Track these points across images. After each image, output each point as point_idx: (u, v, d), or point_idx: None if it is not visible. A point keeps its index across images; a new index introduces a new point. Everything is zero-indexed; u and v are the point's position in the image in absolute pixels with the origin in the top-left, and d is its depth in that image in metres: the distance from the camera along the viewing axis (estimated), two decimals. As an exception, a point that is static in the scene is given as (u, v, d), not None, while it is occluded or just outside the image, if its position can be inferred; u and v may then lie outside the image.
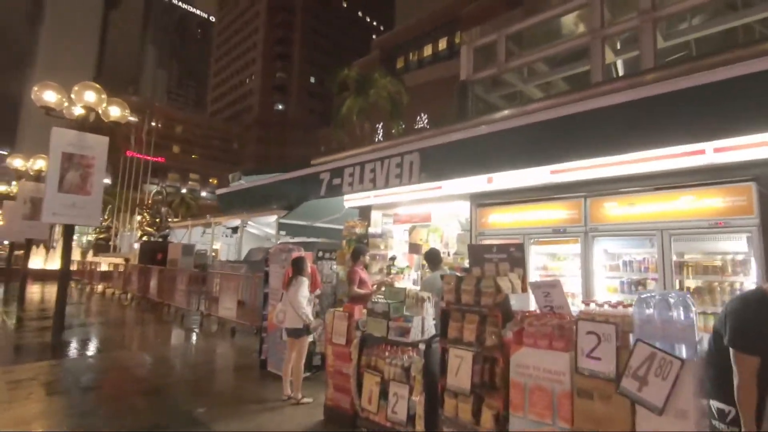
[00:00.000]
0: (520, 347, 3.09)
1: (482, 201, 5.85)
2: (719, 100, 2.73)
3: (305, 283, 5.24)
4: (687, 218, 4.19)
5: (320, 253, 6.47)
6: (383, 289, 5.34)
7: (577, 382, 2.76)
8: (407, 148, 3.62)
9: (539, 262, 5.53)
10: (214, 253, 20.25)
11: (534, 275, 5.40)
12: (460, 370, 3.37)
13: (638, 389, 2.48)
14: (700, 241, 4.44)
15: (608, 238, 4.82)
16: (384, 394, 3.92)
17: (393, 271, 6.86)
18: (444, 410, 3.48)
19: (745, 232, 3.90)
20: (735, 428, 2.27)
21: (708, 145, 3.90)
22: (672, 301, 2.51)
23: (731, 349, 2.26)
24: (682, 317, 2.47)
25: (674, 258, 4.33)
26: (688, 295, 2.62)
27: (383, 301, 4.18)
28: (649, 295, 2.59)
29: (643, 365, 2.49)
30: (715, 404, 2.39)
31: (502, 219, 5.64)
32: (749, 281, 3.96)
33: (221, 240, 19.57)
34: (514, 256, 3.71)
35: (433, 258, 5.22)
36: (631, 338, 2.63)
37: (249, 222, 14.68)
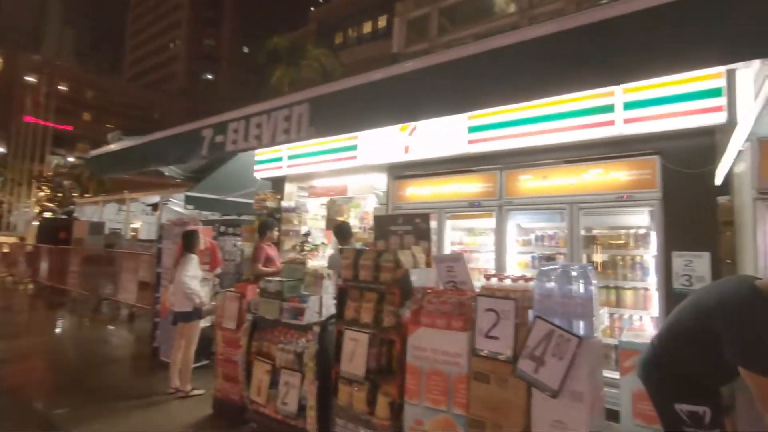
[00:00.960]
0: (417, 327, 2.77)
1: (399, 173, 5.49)
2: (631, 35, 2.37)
3: (194, 260, 4.58)
4: (595, 192, 4.11)
5: (222, 228, 5.78)
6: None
7: (474, 365, 2.49)
8: (297, 98, 3.08)
9: (455, 237, 5.31)
10: (134, 233, 18.35)
11: (450, 251, 5.19)
12: (355, 355, 3.00)
13: (535, 370, 2.25)
14: (608, 215, 4.42)
15: (522, 213, 4.68)
16: (275, 384, 3.47)
17: (307, 248, 6.35)
18: (338, 399, 3.11)
19: (648, 205, 3.88)
20: (717, 430, 1.98)
21: (618, 116, 3.81)
22: (573, 273, 2.29)
23: (745, 370, 1.84)
24: (582, 291, 2.25)
25: (582, 232, 4.27)
26: (591, 268, 2.41)
27: (277, 279, 3.68)
28: (550, 267, 2.34)
29: (540, 344, 2.26)
30: (685, 408, 2.02)
31: (420, 192, 5.33)
32: (648, 255, 3.98)
33: (142, 218, 17.69)
34: (420, 227, 3.38)
35: (342, 232, 4.79)
36: (531, 315, 2.38)
37: (171, 198, 13.24)
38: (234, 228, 5.95)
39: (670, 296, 3.60)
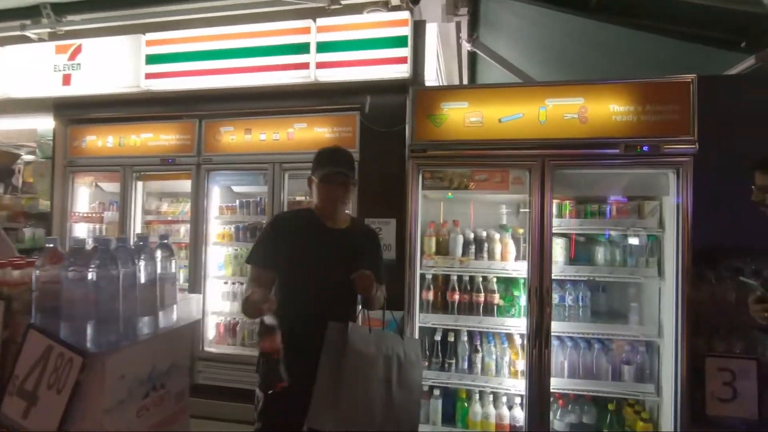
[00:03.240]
0: None
1: (71, 115, 3.98)
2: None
3: None
4: (300, 150, 3.54)
5: None
6: None
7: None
8: None
9: (152, 204, 4.17)
10: None
11: (142, 222, 4.04)
12: None
13: (24, 414, 1.36)
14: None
15: (224, 173, 3.83)
16: None
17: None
18: None
19: (348, 167, 3.49)
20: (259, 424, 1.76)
21: (312, 58, 3.23)
22: (105, 253, 1.45)
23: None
24: (119, 279, 1.44)
25: (289, 197, 3.68)
26: (164, 241, 1.64)
27: None
28: (59, 243, 1.45)
29: (35, 369, 1.38)
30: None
31: (100, 143, 3.96)
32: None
33: None
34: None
35: None
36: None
37: None
38: None
39: (362, 268, 3.28)
